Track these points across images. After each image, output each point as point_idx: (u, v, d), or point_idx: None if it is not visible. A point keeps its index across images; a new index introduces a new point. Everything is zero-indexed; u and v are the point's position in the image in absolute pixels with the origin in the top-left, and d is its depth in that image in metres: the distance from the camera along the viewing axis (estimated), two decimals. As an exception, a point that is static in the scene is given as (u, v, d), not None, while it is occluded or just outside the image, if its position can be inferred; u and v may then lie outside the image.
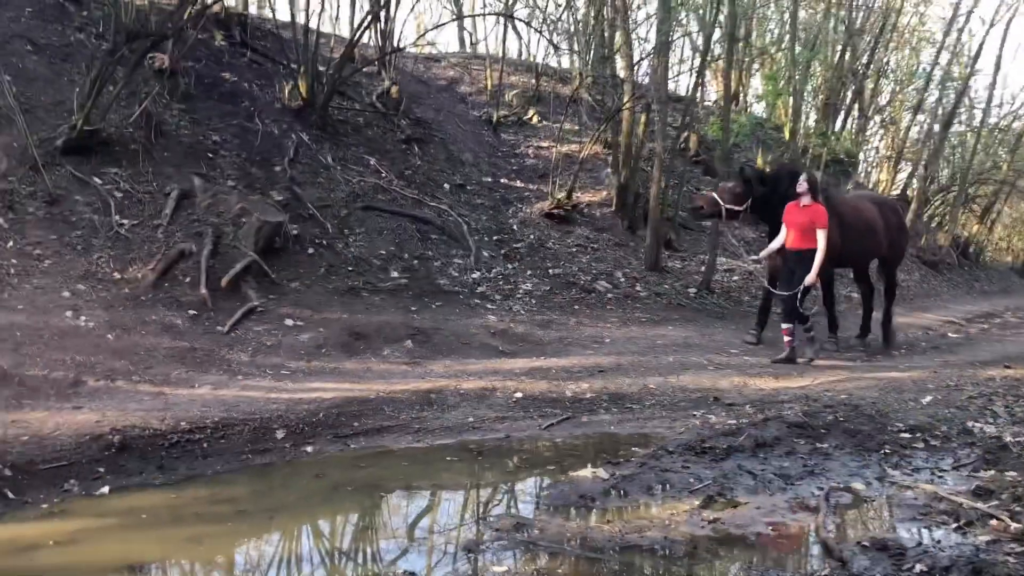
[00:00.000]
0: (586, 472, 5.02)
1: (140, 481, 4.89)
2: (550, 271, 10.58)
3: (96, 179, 8.30)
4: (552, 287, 10.22)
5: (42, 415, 5.29)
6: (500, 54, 16.19)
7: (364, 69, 12.81)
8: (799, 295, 8.35)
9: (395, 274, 9.39)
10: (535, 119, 15.23)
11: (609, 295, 10.26)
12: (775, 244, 8.67)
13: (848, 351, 9.45)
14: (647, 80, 13.60)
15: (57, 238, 7.49)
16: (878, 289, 10.32)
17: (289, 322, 7.81)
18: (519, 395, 6.65)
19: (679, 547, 3.98)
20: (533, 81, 16.23)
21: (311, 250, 9.12)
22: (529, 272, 10.21)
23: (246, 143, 10.09)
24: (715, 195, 9.18)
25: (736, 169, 9.73)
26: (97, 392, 5.81)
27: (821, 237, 8.31)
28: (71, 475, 4.80)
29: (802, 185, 8.36)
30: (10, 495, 4.56)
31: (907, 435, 5.79)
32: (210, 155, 9.57)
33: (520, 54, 18.60)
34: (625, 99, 12.54)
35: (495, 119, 14.62)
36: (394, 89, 12.86)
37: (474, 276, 9.95)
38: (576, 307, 9.71)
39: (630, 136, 12.59)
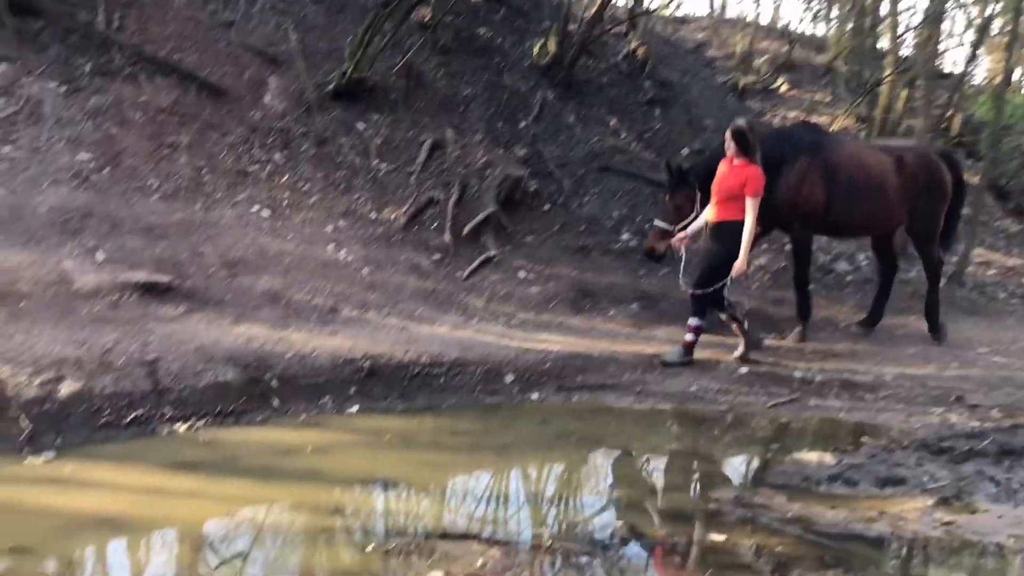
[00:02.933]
0: (811, 455, 4.91)
1: (384, 406, 5.35)
2: (786, 247, 10.20)
3: (360, 124, 8.94)
4: (788, 264, 9.86)
5: (304, 336, 5.87)
6: (751, 19, 15.68)
7: (612, 29, 12.83)
8: (717, 290, 6.52)
9: (626, 236, 9.45)
10: (784, 87, 14.64)
11: (848, 277, 9.80)
12: (699, 222, 6.77)
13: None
14: (912, 53, 12.70)
15: (323, 176, 8.17)
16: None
17: (522, 274, 8.10)
18: (744, 370, 6.56)
19: (909, 545, 3.84)
20: (785, 48, 15.58)
21: (547, 206, 9.36)
22: (765, 246, 9.91)
23: (494, 98, 10.46)
24: (659, 223, 7.20)
25: (665, 168, 7.37)
26: (351, 321, 6.35)
27: (750, 208, 6.25)
28: (326, 392, 5.32)
29: (728, 143, 6.41)
30: (275, 403, 5.13)
31: None
32: (461, 108, 10.01)
33: (773, 19, 17.92)
34: (886, 72, 11.78)
35: (741, 85, 14.18)
36: (641, 50, 12.79)
37: (705, 245, 9.82)
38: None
39: (887, 111, 11.86)
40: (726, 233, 6.41)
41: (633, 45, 12.82)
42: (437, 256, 7.86)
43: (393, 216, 8.07)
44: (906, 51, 13.19)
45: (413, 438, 4.88)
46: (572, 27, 11.63)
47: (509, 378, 5.95)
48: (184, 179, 7.34)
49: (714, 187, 6.55)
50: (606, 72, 12.26)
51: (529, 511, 4.21)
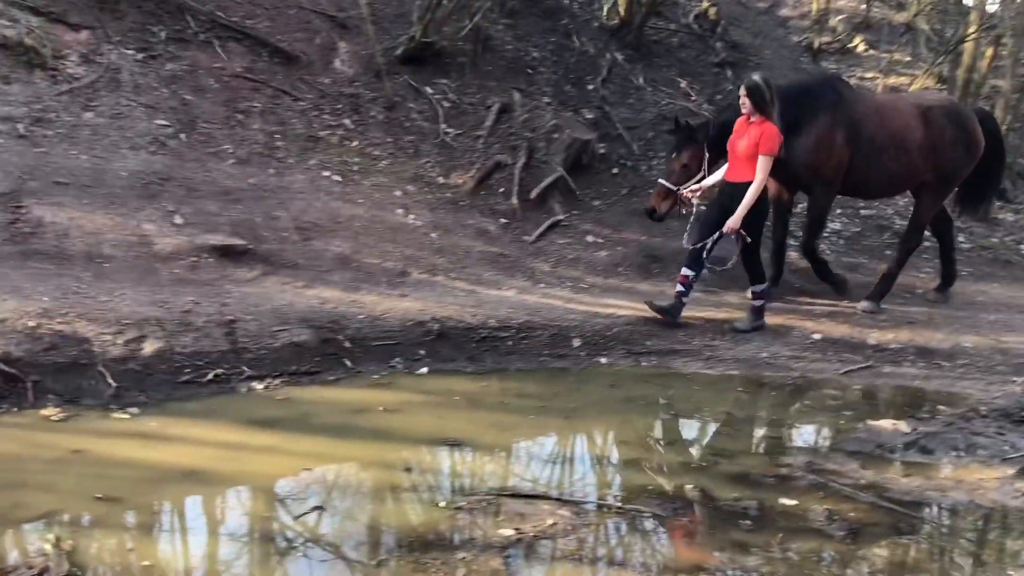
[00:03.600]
0: (886, 423, 4.82)
1: (453, 367, 5.42)
2: (862, 211, 9.96)
3: (428, 88, 8.96)
4: (863, 229, 9.64)
5: (374, 298, 5.97)
6: (829, -24, 15.13)
7: (683, -11, 12.57)
8: (709, 245, 6.26)
9: (696, 201, 9.31)
10: (860, 47, 14.18)
11: (925, 243, 9.50)
12: (716, 176, 6.53)
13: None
14: (999, 9, 12.14)
15: (392, 141, 8.23)
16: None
17: (590, 238, 8.06)
18: (817, 336, 6.45)
19: (986, 514, 3.75)
20: (862, 6, 15.06)
21: (615, 170, 9.28)
22: (839, 211, 9.67)
23: (562, 60, 10.36)
24: (663, 183, 6.93)
25: (674, 124, 7.07)
26: (420, 284, 6.43)
27: (760, 166, 5.97)
28: (397, 353, 5.41)
29: (742, 100, 6.07)
30: (348, 364, 5.24)
31: None
32: (529, 71, 9.95)
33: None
34: (971, 29, 11.30)
35: (816, 46, 13.77)
36: (712, 10, 12.51)
37: (777, 210, 9.61)
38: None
39: (970, 71, 11.37)
40: (743, 195, 6.06)
41: (704, 5, 12.54)
42: (504, 220, 7.87)
43: (461, 180, 8.09)
44: (992, 7, 12.62)
45: (481, 400, 4.94)
46: (641, -13, 11.41)
47: (577, 342, 5.96)
48: (257, 144, 7.47)
49: (730, 146, 6.24)
50: (676, 33, 12.03)
51: (597, 473, 4.24)
